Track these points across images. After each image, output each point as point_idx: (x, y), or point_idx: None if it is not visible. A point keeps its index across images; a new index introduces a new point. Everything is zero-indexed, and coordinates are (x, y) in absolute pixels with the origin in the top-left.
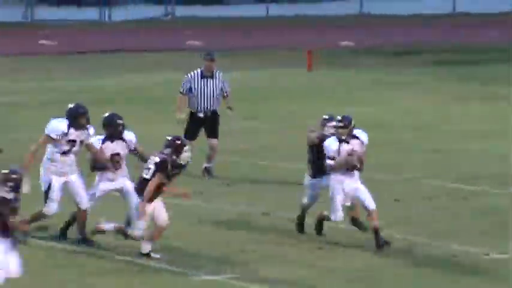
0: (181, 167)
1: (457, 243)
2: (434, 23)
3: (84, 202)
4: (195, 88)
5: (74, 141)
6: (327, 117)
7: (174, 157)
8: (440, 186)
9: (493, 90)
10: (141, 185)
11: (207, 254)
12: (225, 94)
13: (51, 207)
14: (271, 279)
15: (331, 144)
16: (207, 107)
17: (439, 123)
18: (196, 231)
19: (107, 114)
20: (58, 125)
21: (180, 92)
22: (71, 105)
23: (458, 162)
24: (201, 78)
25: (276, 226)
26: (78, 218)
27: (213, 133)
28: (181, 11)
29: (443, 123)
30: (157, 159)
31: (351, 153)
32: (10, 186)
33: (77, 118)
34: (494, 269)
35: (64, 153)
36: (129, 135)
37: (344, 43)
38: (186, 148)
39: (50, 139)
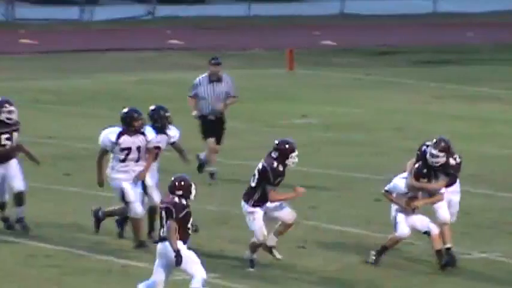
0: (283, 174)
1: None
2: (414, 22)
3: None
4: (203, 92)
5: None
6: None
7: (277, 163)
8: None
9: (473, 90)
10: (248, 192)
11: None
12: (230, 95)
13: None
14: (251, 278)
15: None
16: (215, 111)
17: (418, 123)
18: None
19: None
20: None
21: (189, 96)
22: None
23: None
24: (209, 83)
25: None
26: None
27: (218, 139)
28: (162, 10)
29: (423, 123)
30: (260, 166)
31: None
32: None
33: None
34: (475, 268)
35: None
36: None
37: (325, 42)
38: (294, 154)
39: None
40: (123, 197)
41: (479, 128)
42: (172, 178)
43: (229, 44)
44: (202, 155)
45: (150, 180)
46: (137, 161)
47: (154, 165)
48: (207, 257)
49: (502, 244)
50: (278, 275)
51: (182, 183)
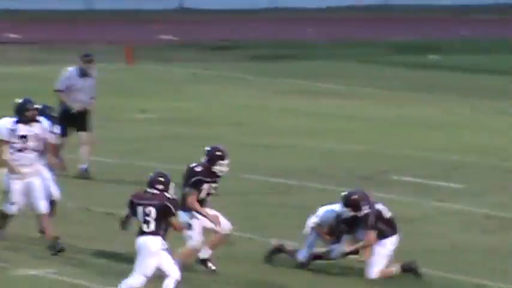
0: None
1: (275, 237)
2: (254, 18)
3: None
4: (73, 85)
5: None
6: None
7: (198, 164)
8: (259, 181)
9: (312, 85)
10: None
11: (29, 248)
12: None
13: None
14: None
15: None
16: (85, 104)
17: (258, 118)
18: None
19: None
20: None
21: (57, 90)
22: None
23: (276, 157)
24: (80, 77)
25: (92, 221)
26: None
27: (85, 129)
28: (0, 3)
29: (262, 118)
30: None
31: None
32: None
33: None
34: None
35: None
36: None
37: (165, 37)
38: (222, 162)
39: None
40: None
41: (319, 123)
42: (152, 173)
43: (68, 38)
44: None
45: (47, 173)
46: (35, 150)
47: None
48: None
49: None
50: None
51: (163, 178)
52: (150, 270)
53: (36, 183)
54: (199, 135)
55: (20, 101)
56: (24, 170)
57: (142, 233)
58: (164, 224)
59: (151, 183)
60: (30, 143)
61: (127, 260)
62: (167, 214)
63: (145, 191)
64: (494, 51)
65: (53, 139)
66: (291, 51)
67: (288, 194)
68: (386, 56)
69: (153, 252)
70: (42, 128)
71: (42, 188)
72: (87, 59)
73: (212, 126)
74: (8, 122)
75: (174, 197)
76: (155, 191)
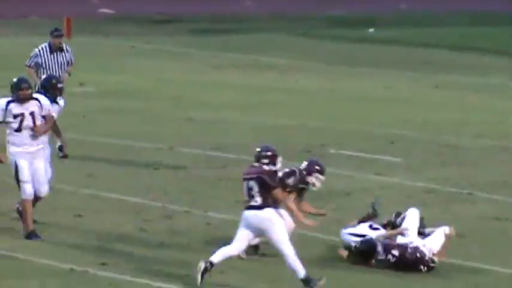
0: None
1: (214, 211)
2: None
3: None
4: (43, 62)
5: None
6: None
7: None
8: (195, 155)
9: (251, 59)
10: None
11: None
12: (71, 64)
13: None
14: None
15: None
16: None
17: (196, 92)
18: None
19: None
20: None
21: (26, 65)
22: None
23: (213, 131)
24: (51, 53)
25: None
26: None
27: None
28: None
29: (200, 92)
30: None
31: None
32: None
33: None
34: None
35: None
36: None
37: (103, 11)
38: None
39: None
40: (16, 174)
41: (258, 97)
42: (259, 148)
43: (7, 12)
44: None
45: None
46: (33, 129)
47: (46, 137)
48: None
49: None
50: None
51: (269, 152)
52: (285, 234)
53: (41, 166)
54: (136, 109)
55: (15, 80)
56: (29, 149)
57: (250, 207)
58: (269, 196)
59: (258, 157)
60: (27, 122)
61: (61, 231)
62: (265, 186)
63: (252, 166)
64: (434, 24)
65: (53, 114)
66: (230, 25)
67: (225, 168)
68: (326, 29)
69: (272, 221)
70: (40, 105)
71: (46, 171)
72: (56, 33)
73: (150, 100)
74: (1, 102)
75: (273, 168)
76: (257, 165)
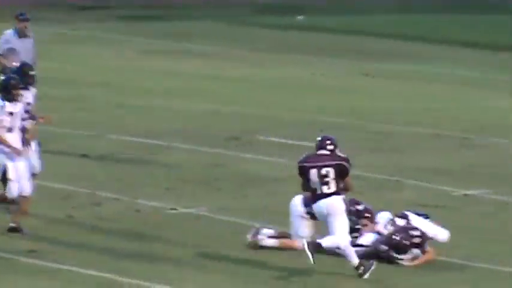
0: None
1: (143, 198)
2: None
3: None
4: (13, 47)
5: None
6: None
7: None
8: (125, 142)
9: (180, 46)
10: None
11: None
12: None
13: None
14: None
15: None
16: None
17: (126, 79)
18: None
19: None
20: None
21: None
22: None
23: (143, 118)
24: (18, 38)
25: None
26: None
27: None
28: None
29: (130, 79)
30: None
31: None
32: None
33: None
34: (182, 223)
35: None
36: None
37: None
38: None
39: None
40: (4, 174)
41: (188, 84)
42: (320, 137)
43: None
44: None
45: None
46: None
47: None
48: None
49: (207, 199)
50: None
51: (330, 140)
52: (346, 227)
53: (24, 164)
54: (67, 96)
55: (2, 78)
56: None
57: (321, 195)
58: (342, 183)
59: (322, 146)
60: (17, 121)
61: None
62: (342, 173)
63: (316, 154)
64: (365, 12)
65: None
66: (162, 11)
67: (155, 155)
68: (254, 17)
69: (342, 210)
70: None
71: (28, 169)
72: (22, 18)
73: (80, 86)
74: None
75: (345, 156)
76: (327, 152)
